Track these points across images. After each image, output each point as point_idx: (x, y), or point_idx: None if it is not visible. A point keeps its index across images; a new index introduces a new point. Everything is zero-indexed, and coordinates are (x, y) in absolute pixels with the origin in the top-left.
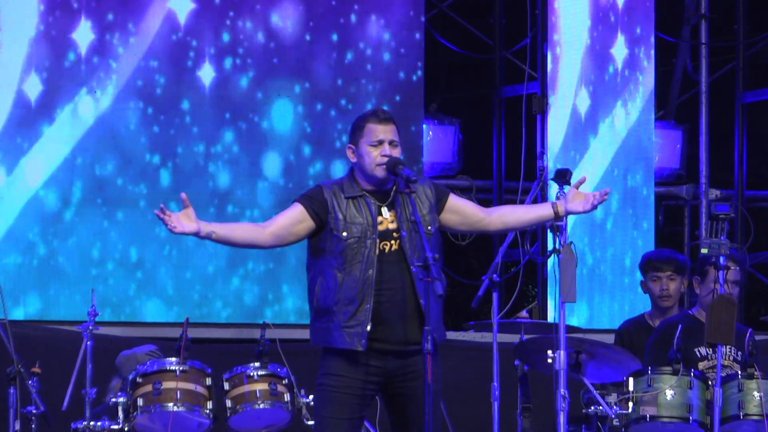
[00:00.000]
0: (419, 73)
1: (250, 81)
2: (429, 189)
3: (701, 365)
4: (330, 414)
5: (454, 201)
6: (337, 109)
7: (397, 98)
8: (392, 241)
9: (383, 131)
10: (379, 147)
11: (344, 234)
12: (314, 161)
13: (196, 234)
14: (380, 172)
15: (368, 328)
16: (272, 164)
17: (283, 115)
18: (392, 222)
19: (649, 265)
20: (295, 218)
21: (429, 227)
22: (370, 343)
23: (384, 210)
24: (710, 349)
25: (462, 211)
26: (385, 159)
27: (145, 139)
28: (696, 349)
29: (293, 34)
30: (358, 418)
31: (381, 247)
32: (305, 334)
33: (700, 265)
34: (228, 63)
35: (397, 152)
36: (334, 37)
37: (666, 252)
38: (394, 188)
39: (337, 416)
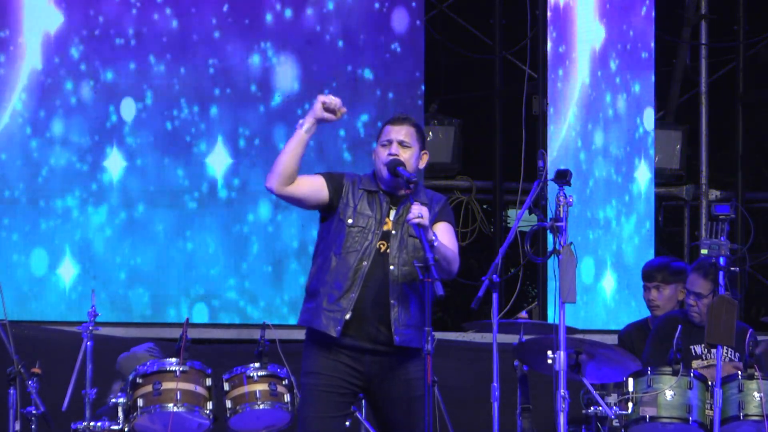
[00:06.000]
0: (419, 73)
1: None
2: (437, 204)
3: (695, 363)
4: (313, 413)
5: (439, 226)
6: None
7: (397, 99)
8: (389, 243)
9: (394, 131)
10: (388, 146)
11: (350, 221)
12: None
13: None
14: (385, 172)
15: (347, 316)
16: None
17: None
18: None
19: (642, 274)
20: (316, 184)
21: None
22: (343, 337)
23: (392, 212)
24: (706, 349)
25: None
26: (389, 158)
27: None
28: (692, 347)
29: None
30: (342, 416)
31: (379, 246)
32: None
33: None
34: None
35: (408, 153)
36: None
37: (657, 261)
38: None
39: (319, 414)
